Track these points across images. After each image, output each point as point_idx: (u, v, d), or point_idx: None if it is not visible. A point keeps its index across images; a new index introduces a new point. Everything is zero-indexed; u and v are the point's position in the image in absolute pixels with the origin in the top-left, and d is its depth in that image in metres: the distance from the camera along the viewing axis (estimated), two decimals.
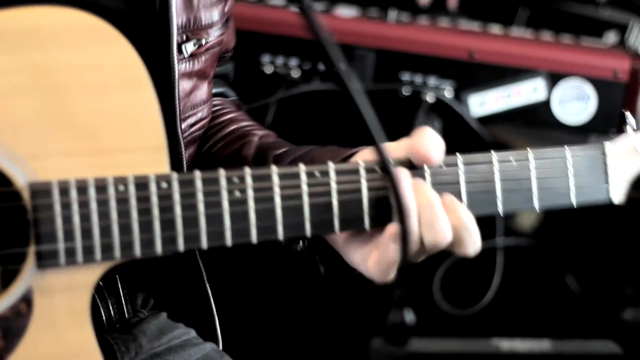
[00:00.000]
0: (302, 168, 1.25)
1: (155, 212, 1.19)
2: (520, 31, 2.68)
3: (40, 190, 1.16)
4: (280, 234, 1.24)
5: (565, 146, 1.36)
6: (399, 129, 2.44)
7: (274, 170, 1.24)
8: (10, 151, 1.16)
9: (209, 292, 1.52)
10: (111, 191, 1.18)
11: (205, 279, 1.53)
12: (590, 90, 2.44)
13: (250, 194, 1.22)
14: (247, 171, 1.23)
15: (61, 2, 1.21)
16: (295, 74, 2.48)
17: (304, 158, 1.43)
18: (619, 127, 2.45)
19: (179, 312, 1.57)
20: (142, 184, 1.19)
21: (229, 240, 1.22)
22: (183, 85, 1.44)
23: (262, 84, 2.48)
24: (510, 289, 2.56)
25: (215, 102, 1.63)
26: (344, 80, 1.07)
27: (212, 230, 1.21)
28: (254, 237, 1.23)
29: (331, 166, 1.26)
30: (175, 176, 1.20)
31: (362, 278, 1.37)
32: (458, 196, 1.30)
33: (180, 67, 1.42)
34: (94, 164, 1.19)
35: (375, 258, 1.29)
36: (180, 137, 1.43)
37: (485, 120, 2.47)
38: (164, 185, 1.19)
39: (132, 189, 1.18)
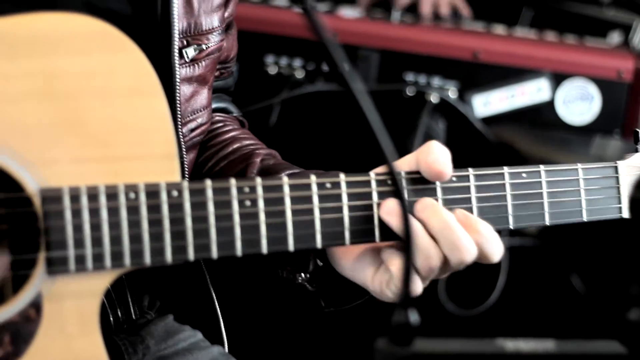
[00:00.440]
0: (313, 179, 1.24)
1: (166, 221, 1.18)
2: (524, 31, 2.68)
3: (51, 197, 1.15)
4: (291, 245, 1.23)
5: (578, 164, 1.36)
6: (403, 130, 2.46)
7: (285, 180, 1.23)
8: (21, 156, 1.16)
9: (214, 294, 1.52)
10: (122, 199, 1.17)
11: (209, 281, 1.53)
12: (594, 90, 2.44)
13: (261, 204, 1.22)
14: (258, 181, 1.22)
15: (69, 6, 1.21)
16: (299, 74, 2.49)
17: None
18: (623, 128, 2.45)
19: (185, 315, 1.57)
20: (153, 192, 1.18)
21: (239, 251, 1.21)
22: (183, 90, 1.45)
23: (266, 84, 2.49)
24: (516, 289, 2.56)
25: (217, 119, 1.63)
26: (347, 81, 1.07)
27: (222, 240, 1.20)
28: (264, 248, 1.22)
29: (342, 177, 1.26)
30: (186, 185, 1.19)
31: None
32: (469, 211, 1.29)
33: (180, 72, 1.43)
34: (105, 171, 1.18)
35: (390, 285, 1.28)
36: (182, 141, 1.43)
37: (489, 120, 2.48)
38: (175, 193, 1.19)
39: (142, 197, 1.18)
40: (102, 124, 1.19)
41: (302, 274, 1.41)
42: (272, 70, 2.50)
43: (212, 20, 1.49)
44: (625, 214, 1.38)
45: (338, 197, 1.25)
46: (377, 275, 1.30)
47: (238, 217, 1.21)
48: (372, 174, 1.27)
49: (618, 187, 1.38)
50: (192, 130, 1.49)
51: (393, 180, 1.08)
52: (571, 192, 1.36)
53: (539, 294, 2.60)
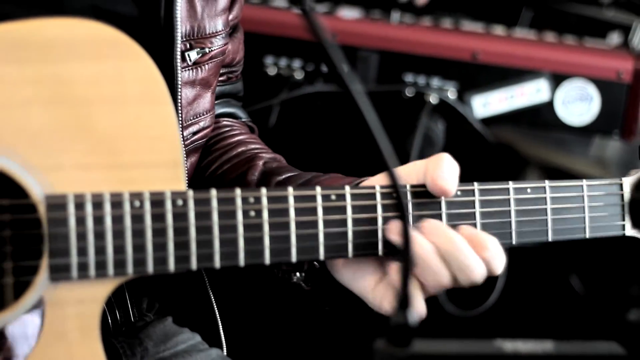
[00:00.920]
0: (318, 190, 1.24)
1: (170, 230, 1.18)
2: (524, 32, 2.68)
3: (56, 203, 1.15)
4: (294, 256, 1.23)
5: (584, 180, 1.36)
6: (403, 130, 2.46)
7: (290, 191, 1.23)
8: (27, 162, 1.16)
9: (212, 297, 1.52)
10: (126, 207, 1.17)
11: (207, 284, 1.53)
12: (594, 91, 2.44)
13: (265, 215, 1.22)
14: (263, 192, 1.22)
15: (77, 10, 1.21)
16: (299, 75, 2.48)
17: (307, 185, 1.43)
18: (622, 129, 2.45)
19: (183, 317, 1.57)
20: (157, 200, 1.18)
21: (242, 261, 1.22)
22: (186, 94, 1.44)
23: (265, 85, 2.49)
24: (515, 290, 2.56)
25: (225, 123, 1.63)
26: (346, 82, 1.07)
27: (225, 250, 1.21)
28: (267, 259, 1.22)
29: (347, 190, 1.25)
30: (191, 194, 1.19)
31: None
32: (473, 227, 1.29)
33: (183, 75, 1.42)
34: (110, 178, 1.18)
35: (390, 299, 1.28)
36: (182, 145, 1.43)
37: (489, 121, 2.47)
38: (180, 202, 1.19)
39: (147, 206, 1.18)
40: (110, 131, 1.19)
41: (297, 274, 1.41)
42: (272, 71, 2.49)
43: (215, 24, 1.48)
44: (628, 231, 1.38)
45: (343, 210, 1.25)
46: (379, 288, 1.30)
47: (242, 228, 1.21)
48: (378, 186, 1.27)
49: (622, 205, 1.38)
50: (194, 133, 1.49)
51: (396, 190, 1.07)
52: (575, 208, 1.36)
53: (539, 295, 2.60)
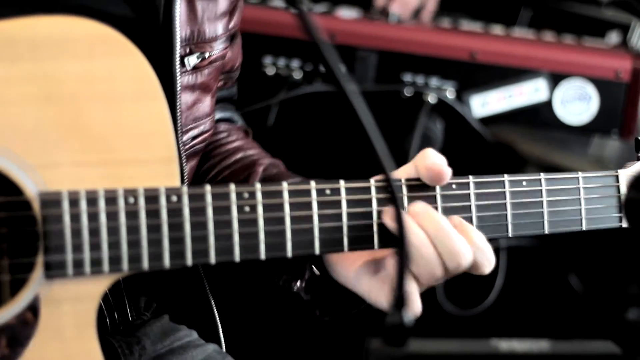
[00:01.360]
0: (312, 185, 1.25)
1: (165, 226, 1.19)
2: (522, 31, 2.68)
3: (50, 200, 1.15)
4: (289, 251, 1.24)
5: (579, 172, 1.36)
6: (401, 130, 2.46)
7: (285, 186, 1.23)
8: (21, 160, 1.16)
9: (210, 294, 1.52)
10: (121, 203, 1.17)
11: (205, 283, 1.53)
12: (592, 90, 2.44)
13: (260, 210, 1.22)
14: (258, 187, 1.22)
15: (70, 10, 1.21)
16: (297, 75, 2.48)
17: None
18: (621, 128, 2.45)
19: (181, 315, 1.57)
20: (152, 196, 1.18)
21: (237, 257, 1.22)
22: (185, 98, 1.44)
23: (264, 85, 2.49)
24: (514, 290, 2.57)
25: (222, 129, 1.63)
26: (340, 81, 1.07)
27: (220, 246, 1.21)
28: (262, 254, 1.23)
29: (342, 184, 1.26)
30: (185, 190, 1.20)
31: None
32: (469, 219, 1.30)
33: (182, 79, 1.42)
34: (104, 175, 1.19)
35: (386, 294, 1.28)
36: (181, 149, 1.43)
37: (487, 120, 2.48)
38: (174, 198, 1.19)
39: (142, 202, 1.18)
40: (103, 128, 1.19)
41: (298, 283, 1.41)
42: (270, 71, 2.49)
43: (216, 28, 1.47)
44: (625, 223, 1.38)
45: (337, 204, 1.25)
46: (375, 282, 1.30)
47: (237, 223, 1.21)
48: (372, 180, 1.27)
49: (619, 197, 1.38)
50: (194, 137, 1.49)
51: (387, 181, 1.08)
52: (571, 200, 1.36)
53: (537, 294, 2.60)
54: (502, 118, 2.48)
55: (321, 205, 1.25)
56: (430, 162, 1.27)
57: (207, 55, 1.46)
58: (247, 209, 1.22)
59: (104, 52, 1.19)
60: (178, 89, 1.39)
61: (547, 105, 2.46)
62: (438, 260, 1.25)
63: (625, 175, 1.38)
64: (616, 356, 0.96)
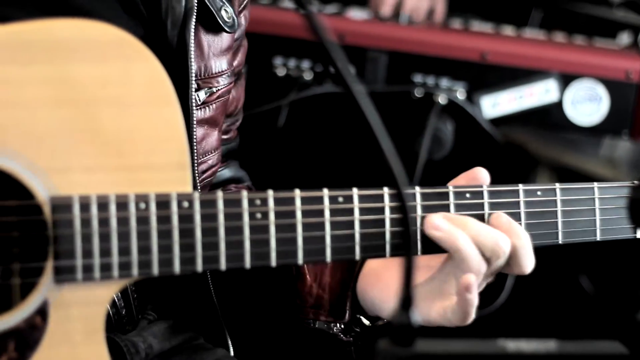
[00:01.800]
0: (325, 192, 1.24)
1: (175, 232, 1.18)
2: (533, 32, 2.68)
3: (61, 205, 1.15)
4: (300, 259, 1.23)
5: (595, 183, 1.36)
6: (411, 131, 2.46)
7: (297, 193, 1.23)
8: (33, 164, 1.16)
9: (215, 300, 1.52)
10: (132, 208, 1.17)
11: (211, 287, 1.52)
12: (603, 91, 2.43)
13: (272, 217, 1.22)
14: (270, 193, 1.22)
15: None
16: (308, 76, 2.49)
17: None
18: (632, 129, 2.44)
19: (187, 319, 1.57)
20: (163, 202, 1.18)
21: (247, 264, 1.22)
22: (197, 132, 1.45)
23: (274, 86, 2.49)
24: (525, 290, 2.56)
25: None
26: (348, 82, 1.08)
27: (231, 253, 1.21)
28: (273, 261, 1.23)
29: (355, 191, 1.25)
30: (197, 196, 1.19)
31: None
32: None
33: (194, 115, 1.43)
34: (116, 180, 1.18)
35: (450, 307, 1.30)
36: (197, 181, 1.44)
37: (498, 121, 2.47)
38: (185, 204, 1.19)
39: (153, 207, 1.18)
40: (116, 133, 1.19)
41: (338, 324, 1.42)
42: (281, 72, 2.50)
43: (221, 63, 1.49)
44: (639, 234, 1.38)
45: (350, 212, 1.25)
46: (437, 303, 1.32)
47: (248, 230, 1.21)
48: (385, 188, 1.27)
49: None
50: (204, 172, 1.50)
51: (397, 187, 1.07)
52: (586, 211, 1.36)
53: (548, 295, 2.59)
54: (512, 119, 2.47)
55: (333, 212, 1.24)
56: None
57: (214, 90, 1.47)
58: (258, 215, 1.21)
59: (118, 56, 1.19)
60: (194, 123, 1.40)
61: (558, 106, 2.45)
62: (485, 267, 1.28)
63: None
64: (623, 356, 0.96)
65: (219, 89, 1.49)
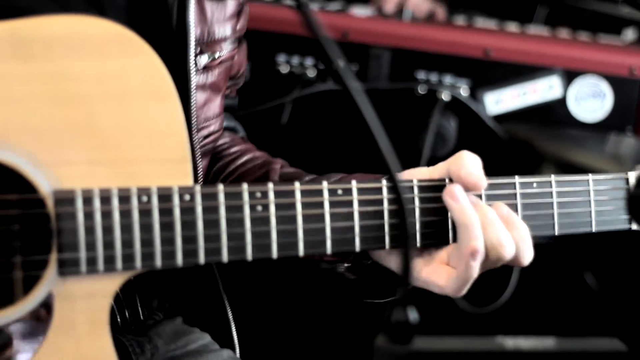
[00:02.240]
0: (325, 185, 1.26)
1: (177, 225, 1.19)
2: (536, 29, 2.68)
3: (64, 198, 1.16)
4: (301, 250, 1.25)
5: (590, 174, 1.37)
6: (415, 128, 2.46)
7: (297, 186, 1.24)
8: (35, 158, 1.17)
9: (225, 298, 1.53)
10: (134, 202, 1.18)
11: (220, 285, 1.53)
12: (606, 87, 2.43)
13: (272, 209, 1.23)
14: (270, 186, 1.23)
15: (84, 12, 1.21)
16: (311, 73, 2.49)
17: None
18: (635, 125, 2.44)
19: (194, 317, 1.58)
20: (165, 195, 1.19)
21: (249, 255, 1.23)
22: (197, 97, 1.45)
23: (277, 83, 2.49)
24: (529, 287, 2.56)
25: (225, 135, 1.64)
26: (343, 77, 1.08)
27: (233, 245, 1.22)
28: (274, 253, 1.24)
29: (354, 184, 1.27)
30: (198, 189, 1.20)
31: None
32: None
33: (194, 79, 1.43)
34: (117, 174, 1.19)
35: (451, 274, 1.29)
36: (197, 148, 1.44)
37: (501, 118, 2.47)
38: (187, 197, 1.20)
39: (155, 200, 1.19)
40: (116, 127, 1.19)
41: (344, 264, 1.42)
42: (284, 69, 2.50)
43: (225, 29, 1.49)
44: (635, 225, 1.38)
45: (349, 204, 1.26)
46: (427, 268, 1.31)
47: (249, 222, 1.22)
48: (384, 180, 1.28)
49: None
50: (205, 137, 1.50)
51: (393, 180, 1.07)
52: (581, 202, 1.36)
53: (552, 292, 2.59)
54: (516, 115, 2.47)
55: (333, 204, 1.25)
56: (465, 172, 1.28)
57: (217, 55, 1.47)
58: (259, 208, 1.22)
59: (117, 52, 1.20)
60: (192, 87, 1.40)
61: (561, 103, 2.45)
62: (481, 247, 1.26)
63: (635, 177, 1.38)
64: (622, 354, 0.96)
65: (221, 55, 1.49)
